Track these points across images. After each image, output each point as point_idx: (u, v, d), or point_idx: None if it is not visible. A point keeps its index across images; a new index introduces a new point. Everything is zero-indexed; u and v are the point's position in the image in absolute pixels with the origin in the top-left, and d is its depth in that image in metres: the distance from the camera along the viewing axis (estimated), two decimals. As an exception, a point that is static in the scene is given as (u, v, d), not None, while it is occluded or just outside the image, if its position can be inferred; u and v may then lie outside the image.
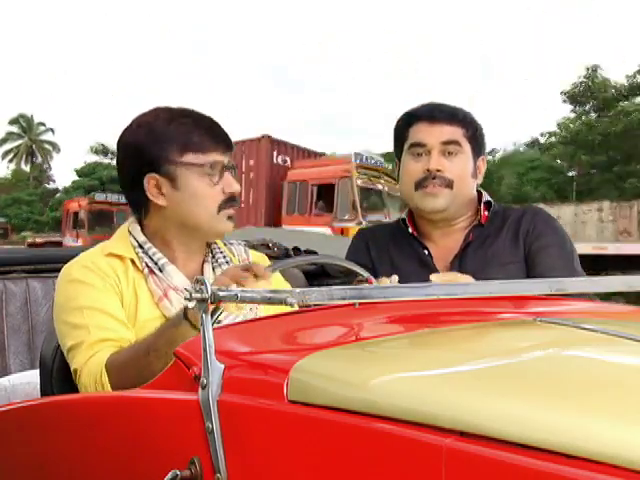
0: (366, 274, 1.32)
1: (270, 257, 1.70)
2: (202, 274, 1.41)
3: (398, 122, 1.72)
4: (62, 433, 1.06)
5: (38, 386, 1.48)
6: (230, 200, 1.37)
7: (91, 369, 1.24)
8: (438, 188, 1.60)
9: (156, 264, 1.37)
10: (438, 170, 1.60)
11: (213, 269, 1.44)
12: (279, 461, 0.72)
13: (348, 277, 1.39)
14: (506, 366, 0.75)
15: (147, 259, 1.37)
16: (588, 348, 0.84)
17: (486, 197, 1.72)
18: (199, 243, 1.43)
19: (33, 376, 1.67)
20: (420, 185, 1.62)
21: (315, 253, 2.29)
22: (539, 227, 1.64)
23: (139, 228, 1.42)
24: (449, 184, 1.61)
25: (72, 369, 1.28)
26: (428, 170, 1.60)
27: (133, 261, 1.37)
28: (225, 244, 1.53)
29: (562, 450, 0.54)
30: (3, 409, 1.22)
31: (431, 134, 1.62)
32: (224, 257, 1.47)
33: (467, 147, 1.64)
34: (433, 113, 1.64)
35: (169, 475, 0.76)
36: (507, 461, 0.55)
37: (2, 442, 1.21)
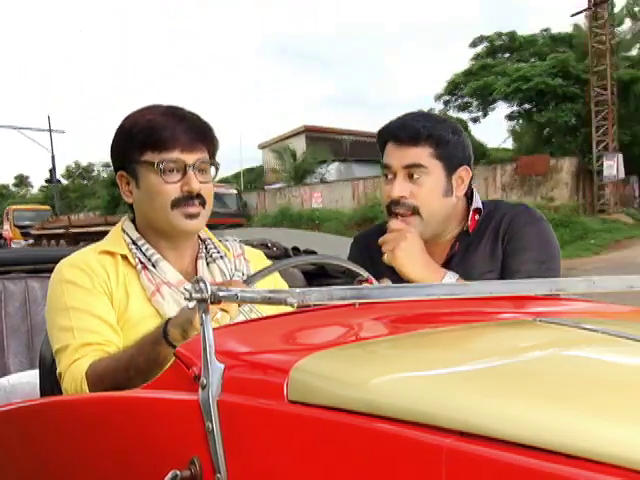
0: (366, 274, 1.32)
1: (269, 257, 1.70)
2: (195, 270, 1.42)
3: (377, 138, 1.68)
4: (62, 433, 1.06)
5: (37, 386, 1.48)
6: (187, 198, 1.35)
7: (73, 374, 1.24)
8: (405, 218, 1.57)
9: (149, 260, 1.38)
10: (401, 196, 1.57)
11: (208, 264, 1.44)
12: (279, 461, 0.72)
13: (348, 277, 1.39)
14: (506, 366, 0.75)
15: (140, 255, 1.38)
16: (588, 348, 0.84)
17: (477, 203, 1.66)
18: (179, 240, 1.42)
19: (32, 376, 1.67)
20: (389, 210, 1.60)
21: (314, 253, 2.28)
22: (514, 230, 1.59)
23: (132, 225, 1.43)
24: (415, 210, 1.57)
25: (57, 372, 1.29)
26: (390, 197, 1.58)
27: (125, 257, 1.38)
28: (220, 240, 1.53)
29: (562, 450, 0.54)
30: (3, 409, 1.22)
31: (395, 157, 1.58)
32: (218, 252, 1.47)
33: (436, 167, 1.57)
34: (399, 135, 1.58)
35: (169, 475, 0.76)
36: (507, 461, 0.55)
37: (2, 442, 1.21)
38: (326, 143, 26.16)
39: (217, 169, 1.42)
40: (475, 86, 22.34)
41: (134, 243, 1.40)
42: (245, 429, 0.75)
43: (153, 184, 1.34)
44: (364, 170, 24.65)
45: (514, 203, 1.73)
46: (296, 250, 2.41)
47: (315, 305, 0.92)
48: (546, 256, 1.59)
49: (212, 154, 1.40)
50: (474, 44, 24.49)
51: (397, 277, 1.53)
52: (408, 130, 1.58)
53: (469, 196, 1.69)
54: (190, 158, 1.34)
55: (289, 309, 0.82)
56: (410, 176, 1.57)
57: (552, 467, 0.53)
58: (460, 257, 1.61)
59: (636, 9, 22.72)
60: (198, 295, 0.79)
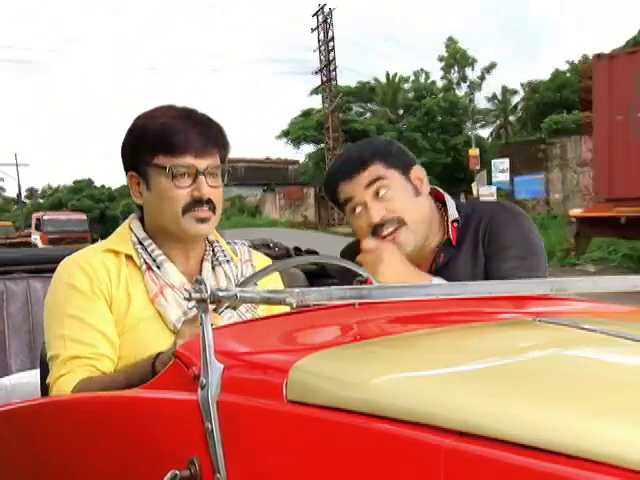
0: (365, 274, 1.32)
1: (271, 257, 1.70)
2: (200, 273, 1.41)
3: (325, 191, 1.68)
4: (62, 433, 1.06)
5: (38, 386, 1.48)
6: (197, 204, 1.34)
7: (59, 389, 1.25)
8: (395, 234, 1.56)
9: (154, 261, 1.37)
10: (382, 218, 1.56)
11: (213, 267, 1.44)
12: (278, 461, 0.72)
13: (348, 277, 1.39)
14: (506, 366, 0.75)
15: (146, 255, 1.38)
16: (588, 348, 0.83)
17: (453, 215, 1.63)
18: (188, 243, 1.42)
19: (33, 376, 1.67)
20: (376, 235, 1.57)
21: (316, 253, 2.28)
22: (492, 232, 1.58)
23: (140, 225, 1.43)
24: (400, 221, 1.56)
25: (46, 381, 1.29)
26: (372, 224, 1.56)
27: (129, 257, 1.37)
28: (228, 243, 1.53)
29: (562, 450, 0.53)
30: (3, 409, 1.22)
31: (353, 188, 1.58)
32: (225, 256, 1.46)
33: (393, 175, 1.58)
34: (344, 170, 1.60)
35: (169, 475, 0.76)
36: (506, 461, 0.55)
37: (2, 442, 1.21)
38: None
39: (226, 173, 1.40)
40: (285, 131, 32.66)
41: (140, 243, 1.40)
42: (244, 429, 0.75)
43: (164, 188, 1.34)
44: (244, 191, 34.71)
45: (492, 202, 1.71)
46: (298, 250, 2.42)
47: (315, 305, 0.92)
48: (526, 252, 1.57)
49: (223, 158, 1.40)
50: (316, 91, 32.11)
51: None
52: (353, 161, 1.60)
53: (440, 202, 1.68)
54: (202, 164, 1.34)
55: (288, 309, 0.82)
56: (376, 195, 1.57)
57: (552, 467, 0.53)
58: (442, 269, 1.60)
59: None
60: (197, 295, 0.79)
